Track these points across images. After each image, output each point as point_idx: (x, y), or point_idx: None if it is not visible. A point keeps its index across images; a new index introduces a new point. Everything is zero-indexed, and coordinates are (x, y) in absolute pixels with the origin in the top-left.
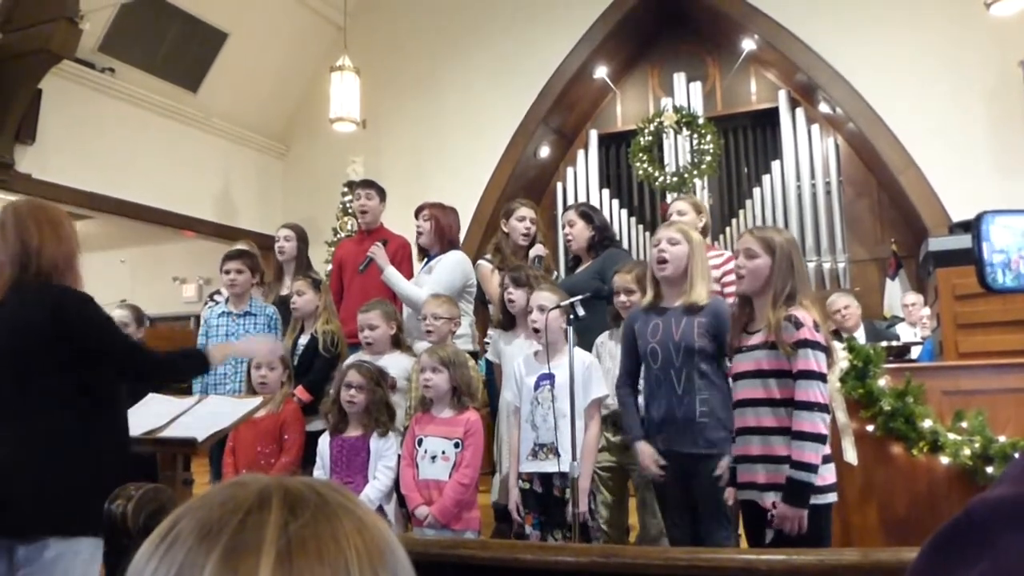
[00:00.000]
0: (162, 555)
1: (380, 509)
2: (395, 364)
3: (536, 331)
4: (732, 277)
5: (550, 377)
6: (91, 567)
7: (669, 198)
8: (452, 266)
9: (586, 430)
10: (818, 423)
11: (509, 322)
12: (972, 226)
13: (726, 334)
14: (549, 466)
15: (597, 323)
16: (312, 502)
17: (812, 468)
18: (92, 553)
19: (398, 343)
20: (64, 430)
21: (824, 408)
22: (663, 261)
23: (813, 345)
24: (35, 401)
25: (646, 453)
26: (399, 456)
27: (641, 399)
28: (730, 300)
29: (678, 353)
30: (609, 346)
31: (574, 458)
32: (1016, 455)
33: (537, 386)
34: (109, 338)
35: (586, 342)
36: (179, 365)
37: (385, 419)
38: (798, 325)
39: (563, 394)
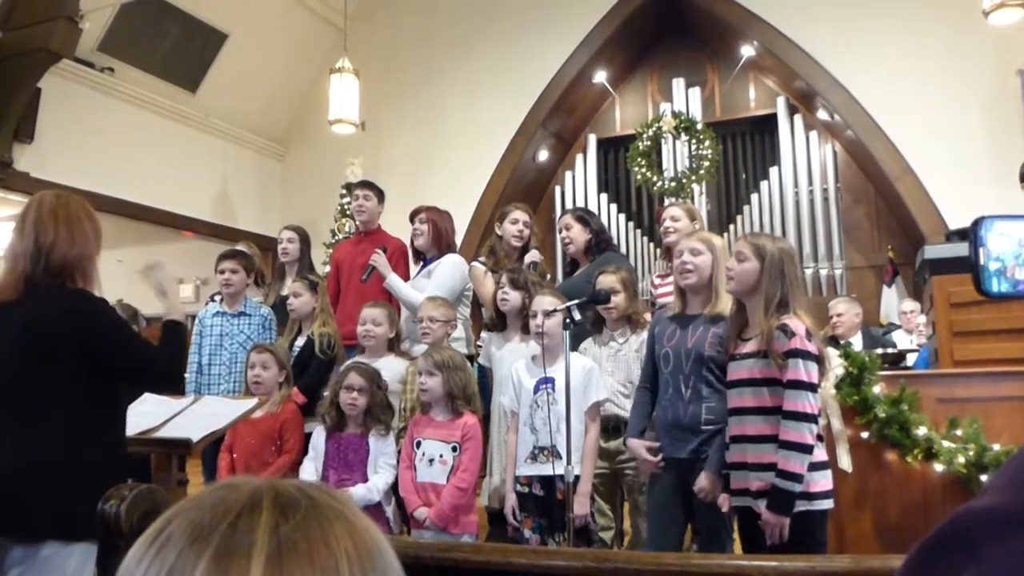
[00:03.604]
0: (153, 556)
1: (379, 506)
2: (388, 367)
3: (540, 335)
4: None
5: (550, 381)
6: (84, 570)
7: (667, 203)
8: (451, 270)
9: (586, 433)
10: (805, 433)
11: (502, 323)
12: (970, 231)
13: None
14: (549, 469)
15: (586, 328)
16: (303, 505)
17: (797, 478)
18: (85, 555)
19: (391, 347)
20: (69, 434)
21: (813, 418)
22: (687, 271)
23: (804, 355)
24: (42, 403)
25: (637, 446)
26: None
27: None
28: None
29: (688, 360)
30: (593, 351)
31: (568, 461)
32: None
33: (536, 389)
34: (124, 347)
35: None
36: (175, 352)
37: (387, 419)
38: (790, 334)
39: (564, 397)
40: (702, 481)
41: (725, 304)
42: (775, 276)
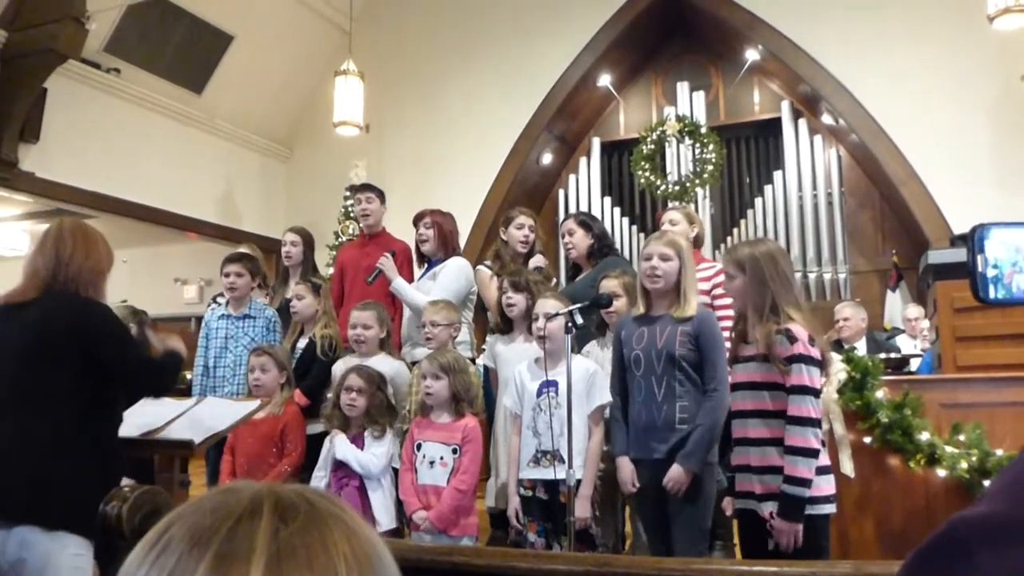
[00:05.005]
0: (153, 560)
1: (363, 491)
2: (379, 367)
3: (542, 338)
4: (722, 290)
5: (553, 384)
6: (80, 570)
7: (669, 207)
8: (457, 273)
9: (590, 437)
10: (810, 438)
11: (508, 327)
12: (968, 238)
13: (709, 345)
14: (551, 473)
15: (590, 331)
16: (303, 510)
17: (805, 483)
18: (80, 555)
19: (382, 346)
20: (65, 428)
21: (816, 423)
22: (656, 276)
23: (807, 360)
24: (43, 398)
25: (625, 469)
26: (391, 454)
27: None
28: (720, 313)
29: (660, 360)
30: (596, 354)
31: (570, 465)
32: None
33: (540, 393)
34: (123, 353)
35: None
36: (169, 370)
37: (386, 421)
38: (792, 340)
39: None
40: (672, 472)
41: (692, 307)
42: (758, 283)
